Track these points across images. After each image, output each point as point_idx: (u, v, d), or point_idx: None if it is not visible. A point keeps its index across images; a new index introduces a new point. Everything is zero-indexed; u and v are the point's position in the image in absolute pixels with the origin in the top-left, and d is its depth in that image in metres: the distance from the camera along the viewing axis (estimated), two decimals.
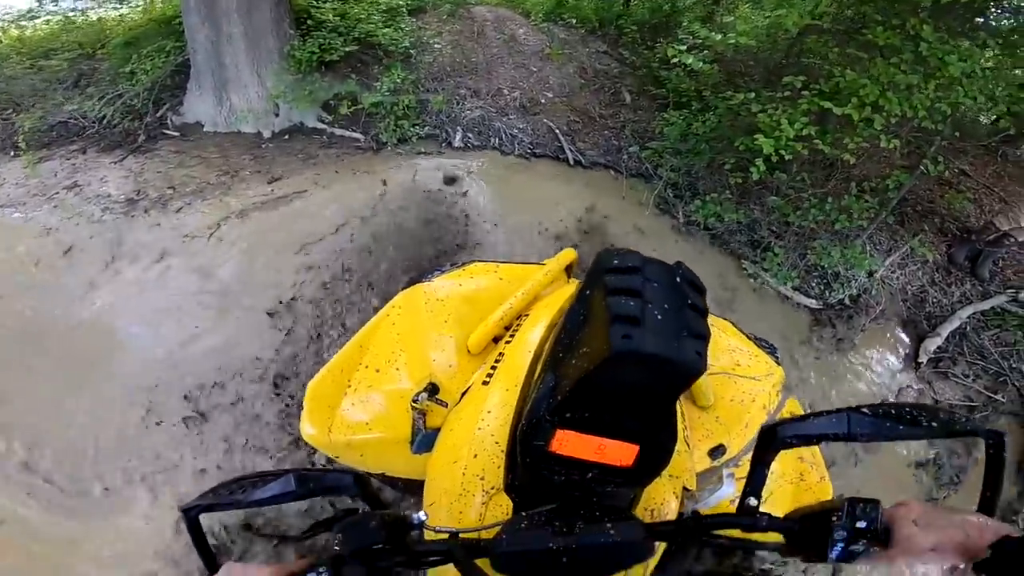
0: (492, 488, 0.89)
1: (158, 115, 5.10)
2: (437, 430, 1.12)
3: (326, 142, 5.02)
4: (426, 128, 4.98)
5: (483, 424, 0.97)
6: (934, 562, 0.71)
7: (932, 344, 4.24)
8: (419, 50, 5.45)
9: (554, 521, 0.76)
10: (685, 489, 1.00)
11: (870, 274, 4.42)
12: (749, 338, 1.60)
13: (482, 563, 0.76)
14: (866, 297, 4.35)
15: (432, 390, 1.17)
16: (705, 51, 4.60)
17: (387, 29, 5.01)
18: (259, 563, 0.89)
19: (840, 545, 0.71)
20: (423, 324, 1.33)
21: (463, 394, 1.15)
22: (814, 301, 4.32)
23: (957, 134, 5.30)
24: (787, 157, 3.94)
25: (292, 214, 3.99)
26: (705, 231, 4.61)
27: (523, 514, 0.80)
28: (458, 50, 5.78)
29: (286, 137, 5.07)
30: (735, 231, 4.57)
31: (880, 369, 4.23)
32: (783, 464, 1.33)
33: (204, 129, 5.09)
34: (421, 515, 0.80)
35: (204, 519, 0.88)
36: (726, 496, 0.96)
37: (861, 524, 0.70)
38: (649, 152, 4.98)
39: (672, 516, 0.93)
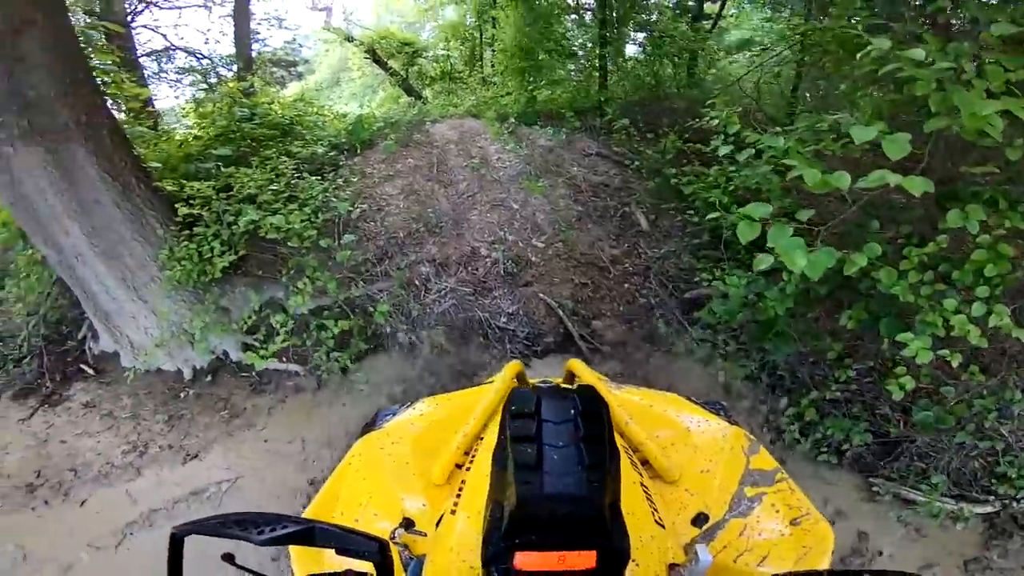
0: None
1: (80, 338, 3.53)
2: (423, 557, 1.00)
3: (257, 381, 3.27)
4: (378, 343, 3.09)
5: (456, 552, 0.90)
6: None
7: None
8: (355, 219, 3.56)
9: None
10: (673, 566, 0.95)
11: None
12: (697, 404, 1.43)
13: None
14: None
15: (407, 524, 1.10)
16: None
17: (277, 217, 3.00)
18: None
19: None
20: (385, 468, 1.23)
21: (438, 523, 1.04)
22: (990, 506, 2.58)
23: None
24: (953, 362, 2.02)
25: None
26: (803, 439, 2.70)
27: None
28: (413, 200, 3.90)
29: (208, 378, 3.36)
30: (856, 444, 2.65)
31: None
32: (770, 518, 1.14)
33: (122, 363, 3.46)
34: None
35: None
36: (706, 566, 0.90)
37: None
38: (701, 333, 3.02)
39: None
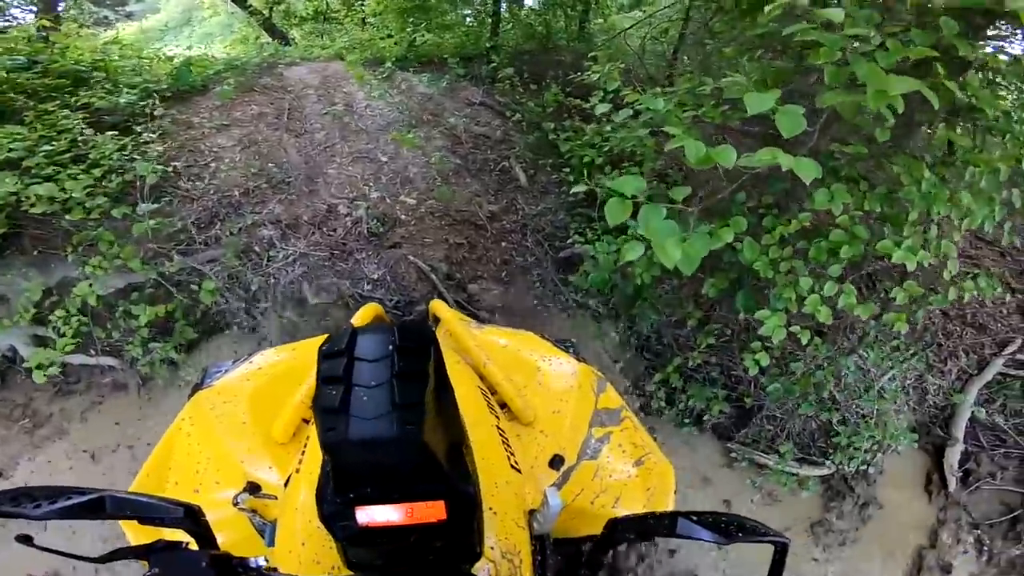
0: (334, 567, 0.78)
1: None
2: (275, 521, 0.94)
3: (62, 380, 2.59)
4: (211, 326, 2.55)
5: (302, 512, 0.84)
6: None
7: (954, 455, 2.94)
8: (171, 178, 2.86)
9: None
10: (532, 511, 0.91)
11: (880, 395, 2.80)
12: (550, 342, 1.38)
13: None
14: (880, 431, 2.75)
15: (253, 488, 0.99)
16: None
17: (45, 185, 2.26)
18: None
19: None
20: (218, 430, 1.11)
21: (287, 484, 0.98)
22: (826, 469, 2.76)
23: None
24: (803, 338, 2.05)
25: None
26: (669, 406, 2.73)
27: None
28: (252, 152, 3.23)
29: None
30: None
31: (914, 521, 2.83)
32: (618, 459, 1.14)
33: None
34: (259, 560, 0.70)
35: None
36: (557, 509, 0.87)
37: None
38: (575, 296, 2.88)
39: (522, 544, 0.84)
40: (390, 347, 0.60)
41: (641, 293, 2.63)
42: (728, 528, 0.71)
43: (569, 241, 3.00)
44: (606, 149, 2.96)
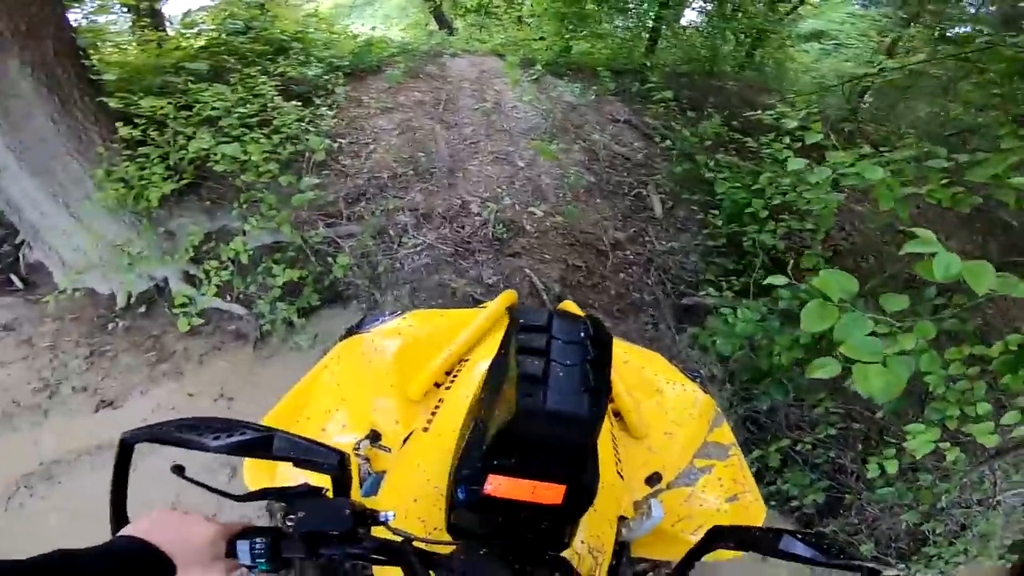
0: (434, 529, 0.83)
1: (16, 243, 3.05)
2: (383, 473, 0.96)
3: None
4: (333, 296, 2.68)
5: (422, 469, 0.89)
6: None
7: None
8: (334, 153, 3.05)
9: (508, 556, 0.70)
10: (622, 518, 0.96)
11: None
12: (677, 368, 1.40)
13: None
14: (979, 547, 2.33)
15: (374, 437, 1.02)
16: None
17: (231, 146, 2.47)
18: (196, 513, 0.65)
19: None
20: (363, 376, 1.16)
21: (405, 440, 1.01)
22: (895, 570, 2.40)
23: None
24: (949, 455, 1.70)
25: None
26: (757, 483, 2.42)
27: (478, 545, 0.72)
28: (407, 138, 3.36)
29: (143, 309, 2.87)
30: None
31: None
32: (712, 491, 1.15)
33: (54, 279, 3.00)
34: (389, 514, 0.70)
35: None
36: (656, 522, 0.91)
37: None
38: (689, 350, 2.60)
39: (608, 545, 0.89)
40: (582, 334, 0.65)
41: (773, 372, 2.30)
42: (830, 549, 0.69)
43: (700, 291, 2.70)
44: (774, 203, 2.61)
